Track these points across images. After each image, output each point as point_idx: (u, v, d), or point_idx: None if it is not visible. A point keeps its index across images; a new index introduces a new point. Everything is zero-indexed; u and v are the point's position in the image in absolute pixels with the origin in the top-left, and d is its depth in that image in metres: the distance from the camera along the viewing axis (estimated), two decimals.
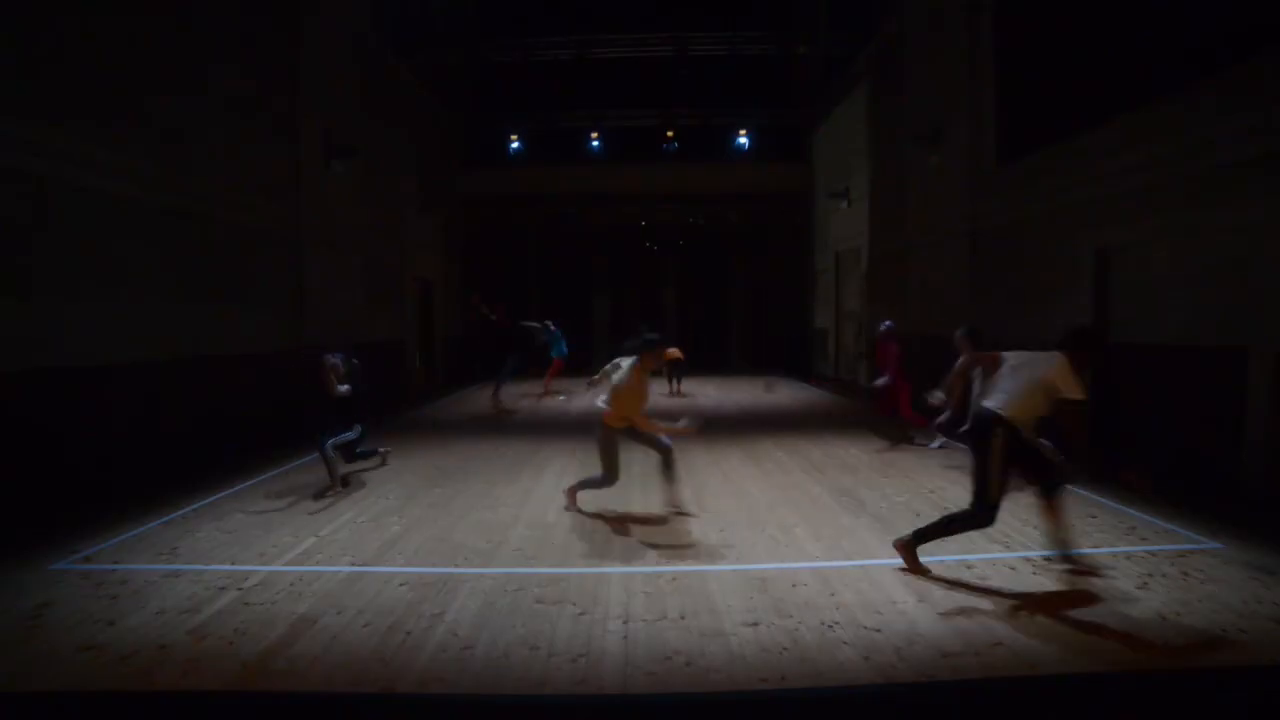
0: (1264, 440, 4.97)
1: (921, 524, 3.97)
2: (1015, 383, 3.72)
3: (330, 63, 9.86)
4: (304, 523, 4.87)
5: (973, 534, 3.98)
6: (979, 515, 3.72)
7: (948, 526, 3.83)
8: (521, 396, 12.18)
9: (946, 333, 9.80)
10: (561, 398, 12.32)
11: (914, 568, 3.86)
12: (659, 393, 11.37)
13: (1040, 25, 8.01)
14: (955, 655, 2.91)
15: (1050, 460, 3.79)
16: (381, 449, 6.70)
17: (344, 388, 5.83)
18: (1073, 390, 3.58)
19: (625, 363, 4.91)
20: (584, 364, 14.97)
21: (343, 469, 5.88)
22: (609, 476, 4.96)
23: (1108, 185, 6.57)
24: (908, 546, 3.90)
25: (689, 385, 13.23)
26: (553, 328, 12.58)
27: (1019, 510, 4.97)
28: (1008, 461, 3.65)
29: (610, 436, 4.93)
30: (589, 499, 5.19)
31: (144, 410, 6.17)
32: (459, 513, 5.12)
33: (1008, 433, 3.61)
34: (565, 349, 12.66)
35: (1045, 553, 4.01)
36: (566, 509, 5.14)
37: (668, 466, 4.99)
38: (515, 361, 11.45)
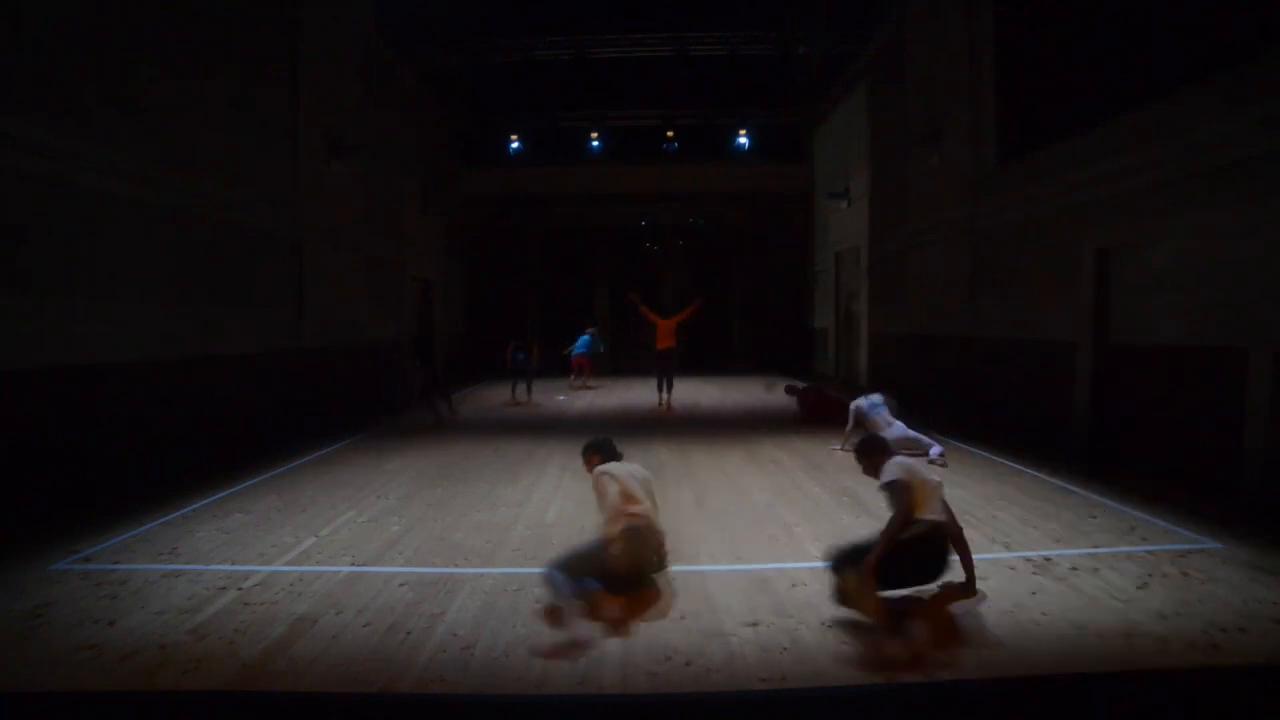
0: (1264, 440, 4.96)
1: None
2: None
3: (330, 63, 9.86)
4: (304, 523, 4.87)
5: (973, 534, 3.99)
6: None
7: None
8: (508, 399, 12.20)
9: (946, 332, 9.89)
10: (561, 398, 12.32)
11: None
12: (649, 404, 11.24)
13: (1040, 25, 8.02)
14: (955, 655, 2.91)
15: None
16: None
17: None
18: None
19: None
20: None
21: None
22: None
23: (1108, 185, 6.57)
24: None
25: (688, 386, 13.20)
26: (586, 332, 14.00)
27: (1019, 510, 4.99)
28: None
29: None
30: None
31: (144, 410, 6.17)
32: (459, 513, 5.12)
33: None
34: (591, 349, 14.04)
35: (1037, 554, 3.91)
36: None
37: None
38: (525, 362, 11.89)
